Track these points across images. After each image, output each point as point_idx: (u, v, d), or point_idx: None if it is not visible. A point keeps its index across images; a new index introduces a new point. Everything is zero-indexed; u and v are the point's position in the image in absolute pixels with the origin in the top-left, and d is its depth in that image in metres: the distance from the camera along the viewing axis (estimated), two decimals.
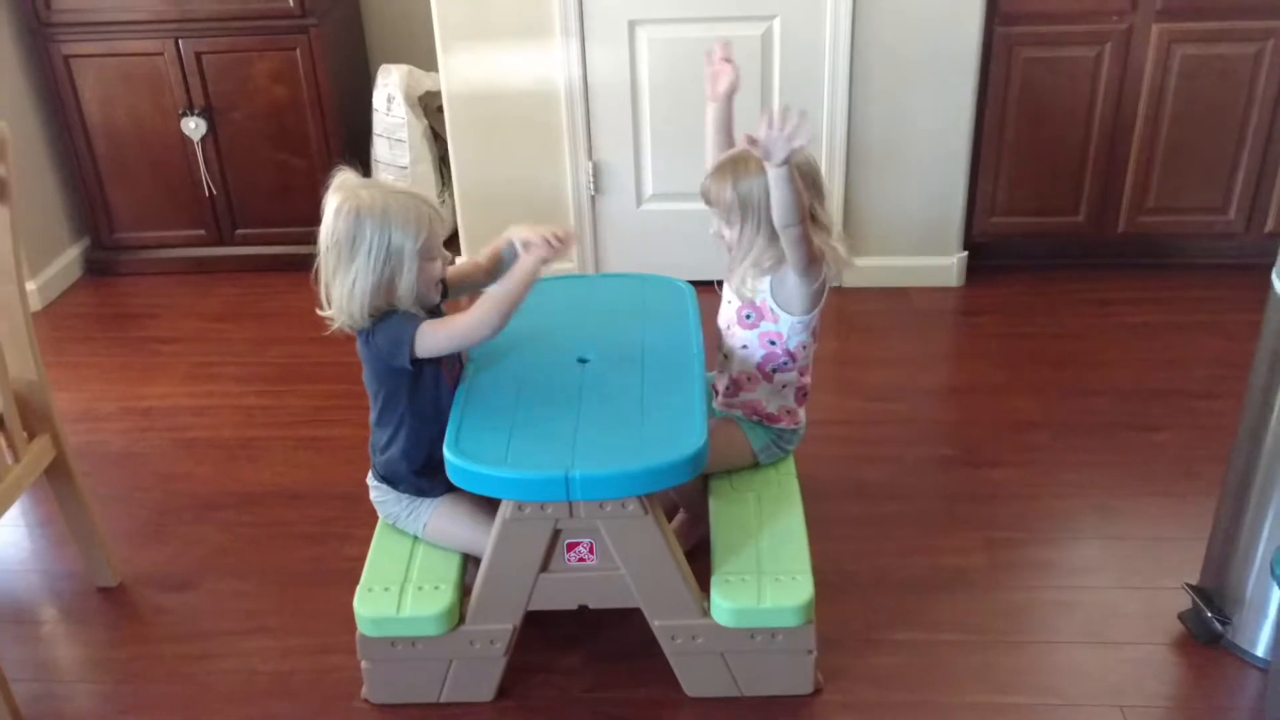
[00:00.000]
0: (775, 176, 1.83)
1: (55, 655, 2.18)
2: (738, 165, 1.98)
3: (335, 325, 1.89)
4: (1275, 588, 1.91)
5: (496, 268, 2.05)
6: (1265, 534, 1.97)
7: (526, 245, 1.90)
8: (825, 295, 2.07)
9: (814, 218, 1.97)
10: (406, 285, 1.85)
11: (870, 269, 3.40)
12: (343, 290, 1.85)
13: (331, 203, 1.86)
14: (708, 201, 2.04)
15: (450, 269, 2.05)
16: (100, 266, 3.73)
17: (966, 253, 3.40)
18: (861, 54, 3.13)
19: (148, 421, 2.90)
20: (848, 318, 3.32)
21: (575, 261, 3.43)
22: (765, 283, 2.05)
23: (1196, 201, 3.29)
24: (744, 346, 2.11)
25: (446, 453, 1.80)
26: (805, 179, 1.94)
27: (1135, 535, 2.35)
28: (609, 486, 1.77)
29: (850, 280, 3.43)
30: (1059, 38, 3.11)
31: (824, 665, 2.02)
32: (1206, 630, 2.07)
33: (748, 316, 2.09)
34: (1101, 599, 2.18)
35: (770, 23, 3.12)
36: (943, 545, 2.34)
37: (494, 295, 1.87)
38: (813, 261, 1.97)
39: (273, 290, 3.53)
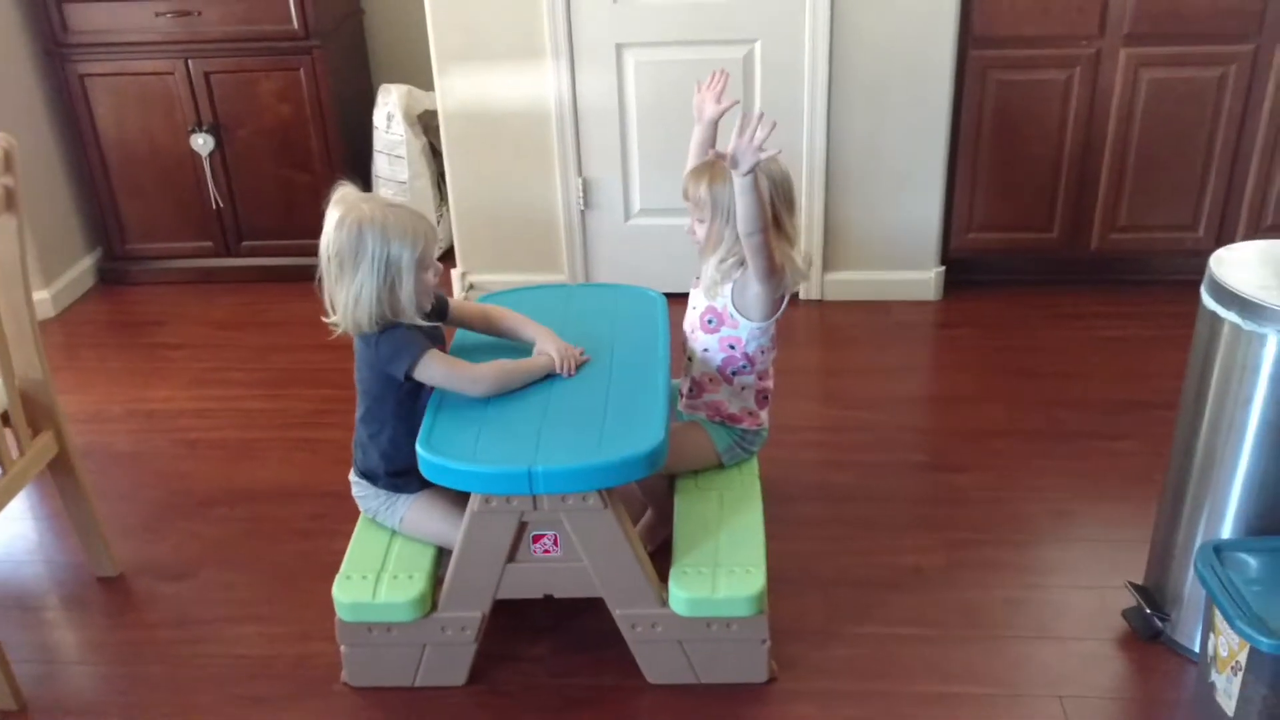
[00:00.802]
0: (740, 185, 1.95)
1: (57, 639, 2.30)
2: (715, 165, 2.09)
3: (340, 330, 2.02)
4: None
5: (494, 329, 2.21)
6: (1199, 536, 2.06)
7: (561, 362, 2.09)
8: (785, 304, 2.18)
9: (780, 227, 2.08)
10: (407, 294, 1.97)
11: (850, 282, 3.52)
12: (348, 299, 1.97)
13: (333, 215, 1.98)
14: (685, 197, 2.16)
15: (457, 301, 2.22)
16: (112, 276, 3.88)
17: (944, 268, 3.50)
18: (839, 75, 3.25)
19: (152, 423, 3.03)
20: (828, 329, 3.43)
21: (566, 273, 3.56)
22: (728, 288, 2.16)
23: (1166, 219, 3.39)
24: (705, 350, 2.23)
25: (419, 449, 1.92)
26: (778, 189, 2.06)
27: (1089, 538, 2.45)
28: (569, 480, 1.88)
29: (831, 293, 3.54)
30: (1030, 61, 3.22)
31: (781, 656, 2.12)
32: (1147, 627, 2.17)
33: (709, 321, 2.20)
34: (1052, 597, 2.28)
35: (751, 46, 3.24)
36: (904, 545, 2.44)
37: (505, 370, 2.05)
38: (773, 271, 2.08)
39: (276, 300, 3.67)
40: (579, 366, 2.11)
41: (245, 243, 3.81)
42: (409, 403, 2.05)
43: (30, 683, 2.14)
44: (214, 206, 3.74)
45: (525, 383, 2.06)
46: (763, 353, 2.22)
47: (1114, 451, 2.72)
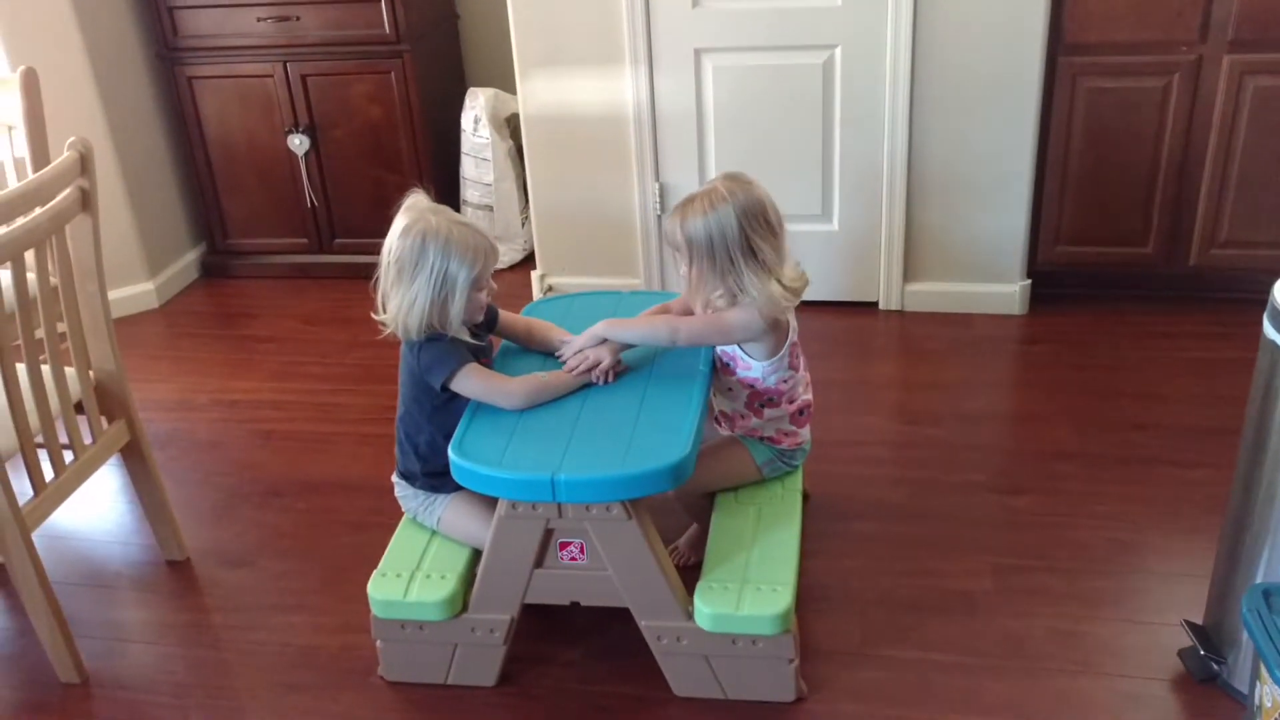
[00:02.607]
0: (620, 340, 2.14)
1: (123, 618, 2.42)
2: (686, 207, 2.07)
3: (388, 331, 2.09)
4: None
5: (535, 343, 2.26)
6: (1258, 576, 1.96)
7: (595, 374, 2.11)
8: (790, 332, 2.16)
9: (754, 254, 2.03)
10: (457, 310, 2.02)
11: (932, 294, 3.44)
12: (401, 304, 2.03)
13: (401, 221, 2.04)
14: (666, 242, 2.15)
15: (507, 314, 2.26)
16: (215, 269, 4.06)
17: (1030, 281, 3.39)
18: (922, 82, 3.17)
19: (234, 413, 3.17)
20: (906, 341, 3.36)
21: (642, 277, 3.58)
22: None
23: (1273, 235, 3.21)
24: (729, 389, 2.22)
25: (450, 452, 1.96)
26: (749, 217, 2.02)
27: (1148, 570, 2.34)
28: (591, 490, 1.90)
29: (912, 304, 3.47)
30: (1125, 68, 3.09)
31: (812, 675, 2.10)
32: (1202, 669, 2.07)
33: (725, 365, 2.19)
34: (1102, 630, 2.19)
35: (832, 51, 3.19)
36: (951, 568, 2.38)
37: (539, 383, 2.08)
38: (730, 340, 2.11)
39: (363, 297, 3.66)
40: (618, 376, 2.12)
41: (338, 240, 3.93)
42: (446, 407, 2.09)
43: (94, 658, 2.27)
44: (309, 204, 3.87)
45: (559, 395, 2.08)
46: (786, 382, 2.19)
47: (1186, 480, 2.60)
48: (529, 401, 2.05)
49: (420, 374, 2.07)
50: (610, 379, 2.11)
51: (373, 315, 2.11)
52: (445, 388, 2.05)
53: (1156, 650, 2.13)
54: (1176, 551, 2.39)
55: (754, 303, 2.05)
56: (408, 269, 2.01)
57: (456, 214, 2.09)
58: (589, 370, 2.11)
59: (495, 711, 2.11)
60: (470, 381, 2.04)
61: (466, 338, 2.08)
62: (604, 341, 2.13)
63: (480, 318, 2.13)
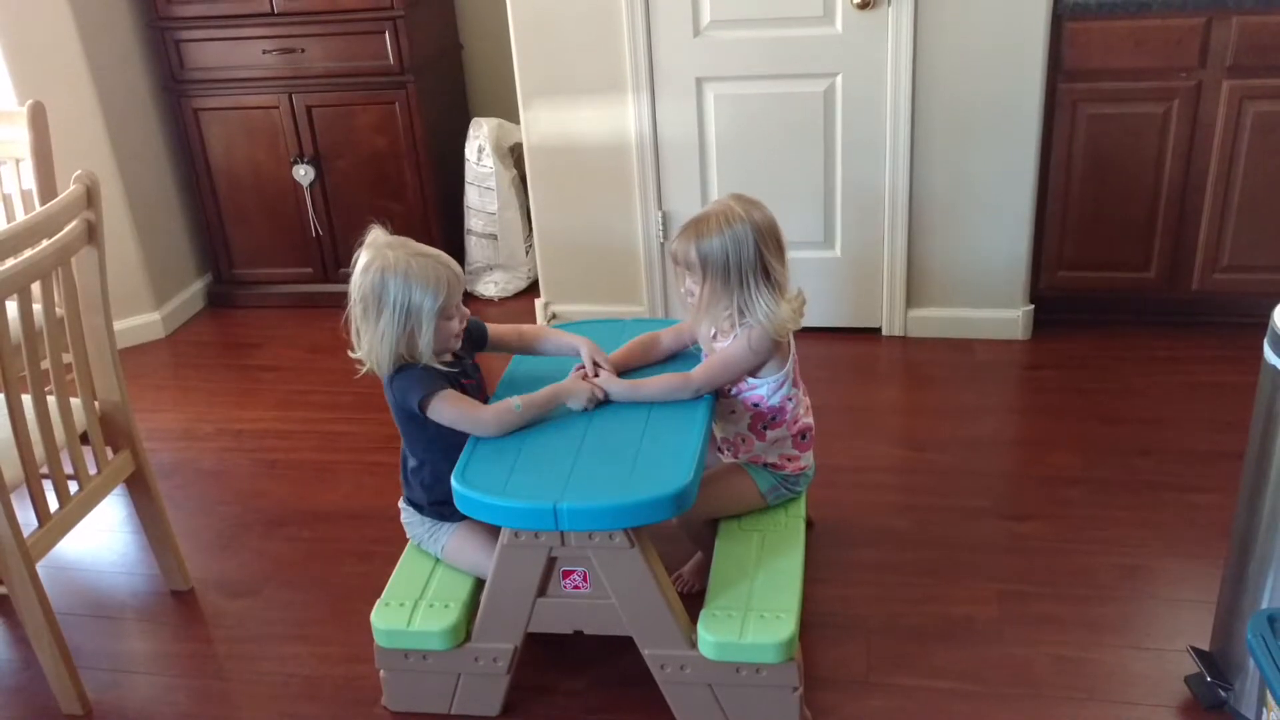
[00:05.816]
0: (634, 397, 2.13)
1: (126, 648, 2.42)
2: (700, 225, 2.08)
3: (365, 369, 2.08)
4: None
5: (532, 346, 2.28)
6: (1264, 602, 1.95)
7: (572, 394, 2.10)
8: (791, 349, 2.17)
9: (767, 273, 2.06)
10: (425, 340, 2.02)
11: (934, 320, 3.44)
12: (371, 340, 2.03)
13: (361, 259, 2.04)
14: (675, 261, 2.15)
15: (495, 327, 2.26)
16: (220, 299, 4.08)
17: (1032, 306, 3.39)
18: (923, 109, 3.19)
19: (238, 442, 3.17)
20: (909, 367, 3.36)
21: (645, 305, 3.59)
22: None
23: (1275, 260, 3.21)
24: (732, 412, 2.22)
25: (453, 481, 1.97)
26: (764, 235, 2.05)
27: (1155, 595, 2.33)
28: (593, 518, 1.89)
29: (914, 330, 3.47)
30: (1124, 94, 3.11)
31: (817, 703, 2.09)
32: (1210, 695, 2.05)
33: (728, 386, 2.20)
34: (1109, 658, 2.18)
35: (832, 80, 3.21)
36: (956, 595, 2.37)
37: (511, 410, 2.05)
38: (739, 370, 2.12)
39: None
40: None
41: (343, 269, 3.93)
42: (447, 436, 2.09)
43: (97, 689, 2.26)
44: (314, 234, 3.89)
45: (534, 418, 2.06)
46: (790, 400, 2.19)
47: (1192, 505, 2.59)
48: (501, 429, 2.04)
49: (399, 404, 2.07)
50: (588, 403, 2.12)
51: (350, 354, 2.10)
52: (424, 411, 2.04)
53: (1163, 677, 2.12)
54: (1182, 577, 2.38)
55: (757, 325, 2.07)
56: (372, 306, 2.01)
57: (418, 245, 2.07)
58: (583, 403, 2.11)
59: None
60: (445, 407, 2.03)
61: (438, 366, 2.06)
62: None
63: (456, 345, 2.11)
